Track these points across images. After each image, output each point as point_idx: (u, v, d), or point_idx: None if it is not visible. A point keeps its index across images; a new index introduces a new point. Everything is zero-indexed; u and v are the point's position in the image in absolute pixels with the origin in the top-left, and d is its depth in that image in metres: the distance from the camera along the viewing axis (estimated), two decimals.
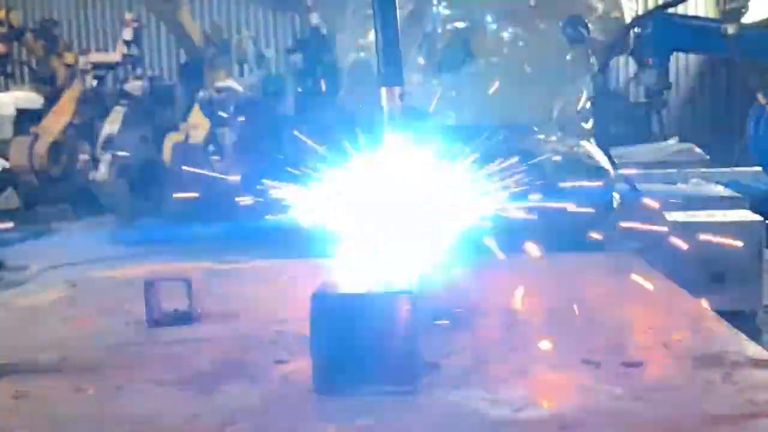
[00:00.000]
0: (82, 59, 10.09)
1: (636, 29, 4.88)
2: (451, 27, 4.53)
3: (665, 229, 3.00)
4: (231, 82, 8.70)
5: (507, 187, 2.06)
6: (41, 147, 9.07)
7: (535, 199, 2.14)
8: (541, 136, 4.36)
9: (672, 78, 8.20)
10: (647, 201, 3.12)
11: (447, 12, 4.55)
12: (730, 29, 4.95)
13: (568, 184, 2.29)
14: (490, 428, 1.33)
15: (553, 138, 4.39)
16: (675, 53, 7.13)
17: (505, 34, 4.42)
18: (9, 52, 10.47)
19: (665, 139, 8.73)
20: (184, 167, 5.85)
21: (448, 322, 1.83)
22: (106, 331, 1.98)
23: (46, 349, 1.84)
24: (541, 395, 1.44)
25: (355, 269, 1.70)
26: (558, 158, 3.91)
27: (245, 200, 2.26)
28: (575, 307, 1.97)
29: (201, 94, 8.58)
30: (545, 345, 1.70)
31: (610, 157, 4.30)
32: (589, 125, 4.57)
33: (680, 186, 4.77)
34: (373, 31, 1.85)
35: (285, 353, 1.69)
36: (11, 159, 9.07)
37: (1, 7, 10.47)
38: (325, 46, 8.53)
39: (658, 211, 3.47)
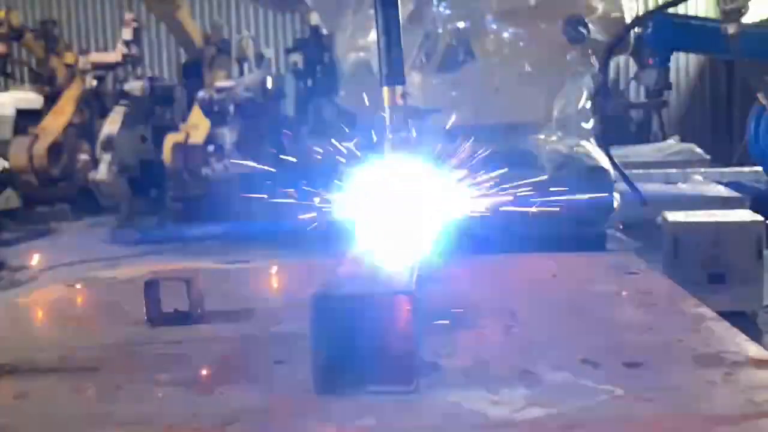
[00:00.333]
0: (82, 59, 10.09)
1: (636, 29, 4.88)
2: (452, 27, 4.52)
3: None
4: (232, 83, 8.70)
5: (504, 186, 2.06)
6: (41, 147, 9.08)
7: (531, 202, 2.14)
8: (541, 136, 4.36)
9: (672, 78, 8.21)
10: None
11: (447, 12, 4.55)
12: (730, 29, 4.95)
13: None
14: (490, 428, 1.33)
15: (553, 138, 4.39)
16: (675, 53, 7.13)
17: (506, 34, 4.42)
18: (9, 52, 10.47)
19: (665, 139, 8.73)
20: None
21: (448, 322, 1.83)
22: (106, 331, 1.98)
23: (46, 349, 1.84)
24: (541, 395, 1.43)
25: (357, 267, 1.70)
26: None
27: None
28: (573, 305, 1.97)
29: (201, 94, 8.59)
30: (544, 344, 1.70)
31: (610, 157, 4.30)
32: (589, 125, 4.57)
33: (680, 186, 4.78)
34: (373, 31, 1.86)
35: (285, 353, 1.69)
36: (11, 159, 9.08)
37: (1, 7, 10.47)
38: (325, 46, 8.54)
39: (658, 211, 3.48)
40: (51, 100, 9.93)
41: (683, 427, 1.31)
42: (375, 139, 1.88)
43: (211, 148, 8.17)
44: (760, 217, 3.58)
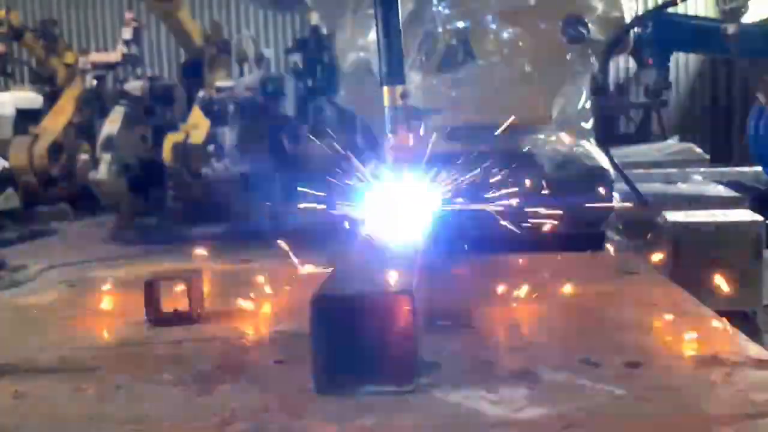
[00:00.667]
0: (82, 59, 10.08)
1: (636, 29, 4.88)
2: (452, 27, 4.52)
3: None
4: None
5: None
6: (41, 147, 9.05)
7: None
8: (541, 136, 4.36)
9: (672, 78, 8.19)
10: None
11: (447, 12, 4.55)
12: (730, 29, 4.95)
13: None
14: (490, 428, 1.33)
15: (553, 138, 4.39)
16: (675, 53, 7.12)
17: (506, 34, 4.42)
18: (9, 52, 10.47)
19: (665, 139, 8.73)
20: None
21: (448, 322, 1.83)
22: (106, 331, 1.98)
23: (46, 349, 1.84)
24: (541, 395, 1.43)
25: (357, 267, 1.70)
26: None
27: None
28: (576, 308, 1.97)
29: (201, 94, 8.58)
30: (544, 344, 1.70)
31: (610, 157, 4.30)
32: (589, 125, 4.56)
33: (680, 186, 4.77)
34: (373, 30, 1.86)
35: (285, 353, 1.69)
36: (11, 159, 9.06)
37: (1, 7, 10.48)
38: (325, 46, 8.53)
39: (658, 211, 3.48)
40: (51, 100, 9.91)
41: (683, 427, 1.31)
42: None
43: (211, 148, 8.16)
44: (760, 217, 3.58)
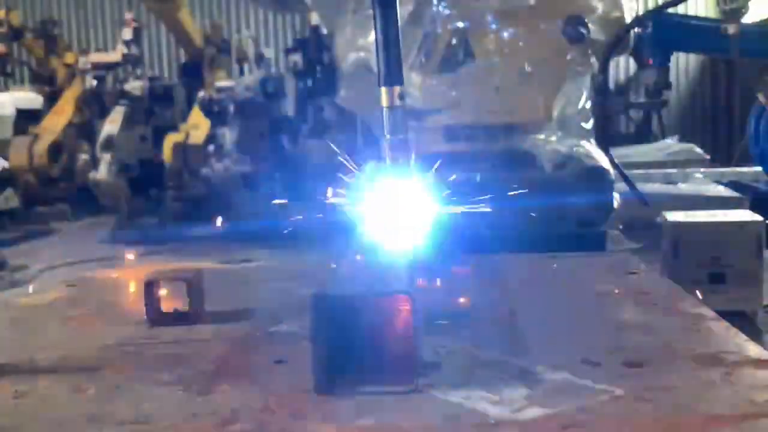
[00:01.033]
0: (82, 59, 10.09)
1: (636, 29, 4.88)
2: (452, 27, 4.52)
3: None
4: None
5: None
6: (41, 147, 9.08)
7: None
8: (541, 136, 4.36)
9: (672, 78, 8.20)
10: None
11: (447, 12, 4.55)
12: (730, 29, 4.95)
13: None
14: (490, 428, 1.33)
15: (553, 138, 4.39)
16: (675, 53, 7.13)
17: (506, 34, 4.42)
18: (9, 52, 10.47)
19: (665, 138, 8.72)
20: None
21: (448, 322, 1.83)
22: (105, 331, 1.98)
23: (46, 349, 1.84)
24: (541, 395, 1.43)
25: (357, 267, 1.70)
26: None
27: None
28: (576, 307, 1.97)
29: (201, 94, 8.59)
30: (544, 344, 1.70)
31: (610, 157, 4.30)
32: (589, 125, 4.57)
33: (680, 186, 4.78)
34: (373, 31, 1.85)
35: (285, 353, 1.69)
36: (11, 159, 9.08)
37: (1, 7, 10.47)
38: (325, 46, 8.54)
39: (658, 211, 3.48)
40: (51, 100, 9.93)
41: (683, 427, 1.31)
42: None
43: (211, 148, 8.18)
44: (760, 217, 3.58)
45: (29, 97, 10.12)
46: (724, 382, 1.47)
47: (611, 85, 9.82)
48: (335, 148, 1.99)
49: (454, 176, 1.89)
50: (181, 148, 8.08)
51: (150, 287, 2.00)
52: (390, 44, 1.80)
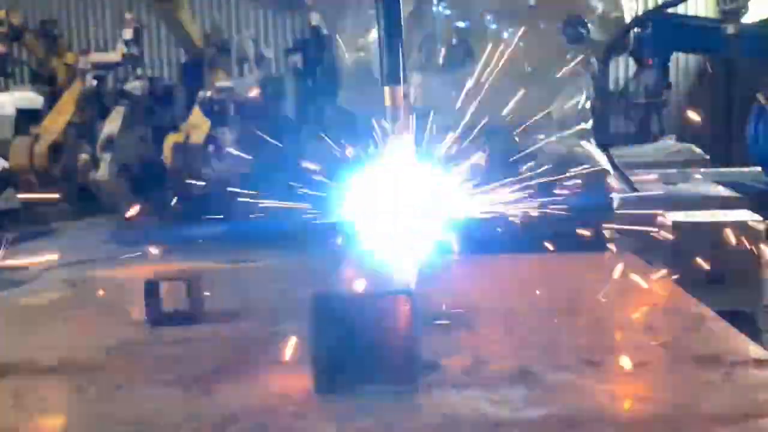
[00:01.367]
0: (82, 59, 10.08)
1: (636, 29, 4.88)
2: (452, 27, 4.53)
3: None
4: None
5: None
6: (41, 147, 9.07)
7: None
8: (541, 136, 4.36)
9: (672, 78, 8.20)
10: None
11: (447, 12, 4.55)
12: (730, 29, 4.95)
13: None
14: (490, 428, 1.33)
15: (553, 138, 4.39)
16: (675, 53, 7.13)
17: (505, 34, 4.42)
18: (9, 52, 10.47)
19: (664, 138, 8.71)
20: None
21: (448, 322, 1.83)
22: (106, 331, 1.98)
23: (46, 349, 1.84)
24: (541, 395, 1.43)
25: (357, 267, 1.70)
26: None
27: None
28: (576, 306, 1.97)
29: (201, 94, 8.59)
30: (544, 344, 1.70)
31: (610, 157, 4.30)
32: (589, 125, 4.57)
33: (680, 186, 4.77)
34: (373, 31, 1.86)
35: (285, 353, 1.69)
36: (11, 159, 9.07)
37: (1, 7, 10.46)
38: (325, 46, 8.53)
39: (658, 211, 3.48)
40: (51, 100, 9.92)
41: (683, 427, 1.31)
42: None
43: (211, 148, 8.17)
44: (760, 217, 3.58)
45: (29, 97, 10.11)
46: (724, 382, 1.47)
47: (611, 85, 9.81)
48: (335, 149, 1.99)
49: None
50: (181, 148, 8.07)
51: (150, 287, 2.01)
52: (392, 44, 1.81)
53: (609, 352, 1.65)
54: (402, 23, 1.83)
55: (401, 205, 1.83)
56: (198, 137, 8.16)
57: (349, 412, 1.39)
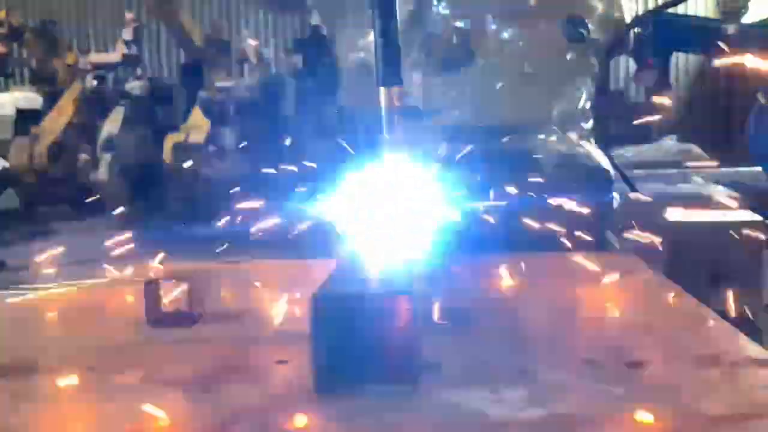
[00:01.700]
0: (82, 59, 10.09)
1: (636, 29, 4.88)
2: (452, 27, 4.52)
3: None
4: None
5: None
6: (41, 147, 9.08)
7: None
8: (541, 136, 4.36)
9: (672, 78, 8.21)
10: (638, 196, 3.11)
11: (447, 12, 4.55)
12: (730, 29, 4.94)
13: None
14: (490, 428, 1.33)
15: (553, 138, 4.39)
16: (675, 53, 7.12)
17: (505, 34, 4.42)
18: (9, 52, 10.48)
19: (664, 138, 8.71)
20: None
21: (448, 322, 1.83)
22: (106, 331, 1.98)
23: (46, 349, 1.84)
24: (541, 395, 1.43)
25: (357, 267, 1.70)
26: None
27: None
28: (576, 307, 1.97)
29: (201, 94, 8.59)
30: (544, 344, 1.70)
31: (610, 157, 4.30)
32: (589, 125, 4.56)
33: (680, 186, 4.77)
34: (373, 31, 1.86)
35: (285, 353, 1.69)
36: (11, 159, 9.08)
37: (1, 7, 10.46)
38: (325, 46, 8.54)
39: (658, 211, 3.47)
40: (51, 100, 9.93)
41: (683, 427, 1.31)
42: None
43: (211, 148, 8.18)
44: (760, 217, 3.58)
45: (29, 97, 10.13)
46: (724, 382, 1.47)
47: (611, 85, 9.81)
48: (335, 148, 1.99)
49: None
50: (181, 148, 8.08)
51: (150, 287, 2.01)
52: (389, 44, 1.80)
53: (609, 352, 1.65)
54: (399, 22, 1.83)
55: (397, 206, 1.83)
56: (198, 137, 8.17)
57: (349, 412, 1.39)
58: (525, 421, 1.34)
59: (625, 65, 10.64)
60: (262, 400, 1.47)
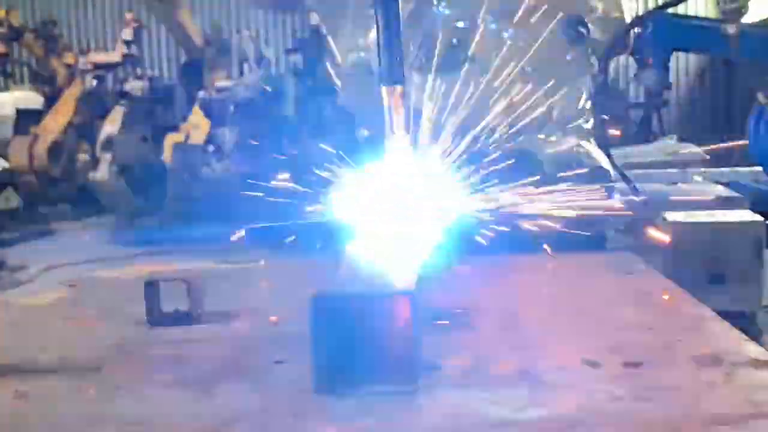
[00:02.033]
0: (82, 59, 10.09)
1: (636, 29, 4.88)
2: (452, 27, 4.52)
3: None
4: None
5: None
6: (41, 147, 9.07)
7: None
8: (541, 136, 4.36)
9: (672, 78, 8.20)
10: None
11: (447, 12, 4.55)
12: (730, 29, 4.95)
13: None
14: (490, 428, 1.33)
15: (553, 138, 4.39)
16: (675, 53, 7.12)
17: (505, 34, 4.42)
18: (9, 52, 10.47)
19: (664, 138, 8.71)
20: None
21: (448, 322, 1.83)
22: (106, 331, 1.99)
23: (46, 349, 1.84)
24: (541, 395, 1.43)
25: (357, 267, 1.70)
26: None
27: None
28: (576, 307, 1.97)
29: (201, 94, 8.59)
30: (544, 344, 1.70)
31: (610, 158, 4.30)
32: (589, 125, 4.57)
33: (680, 186, 4.77)
34: (373, 31, 1.86)
35: (285, 353, 1.69)
36: (11, 159, 9.08)
37: (1, 7, 10.46)
38: (325, 46, 8.53)
39: (658, 211, 3.47)
40: (51, 100, 9.92)
41: (683, 427, 1.31)
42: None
43: (211, 148, 8.17)
44: (760, 217, 3.57)
45: (29, 97, 10.12)
46: (724, 382, 1.47)
47: (611, 85, 9.82)
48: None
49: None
50: (181, 148, 8.08)
51: (150, 287, 2.01)
52: (391, 43, 1.80)
53: (609, 352, 1.65)
54: (401, 23, 1.83)
55: (400, 205, 1.83)
56: (198, 137, 8.17)
57: (349, 412, 1.39)
58: (525, 421, 1.34)
59: (625, 65, 10.64)
60: (261, 400, 1.47)
